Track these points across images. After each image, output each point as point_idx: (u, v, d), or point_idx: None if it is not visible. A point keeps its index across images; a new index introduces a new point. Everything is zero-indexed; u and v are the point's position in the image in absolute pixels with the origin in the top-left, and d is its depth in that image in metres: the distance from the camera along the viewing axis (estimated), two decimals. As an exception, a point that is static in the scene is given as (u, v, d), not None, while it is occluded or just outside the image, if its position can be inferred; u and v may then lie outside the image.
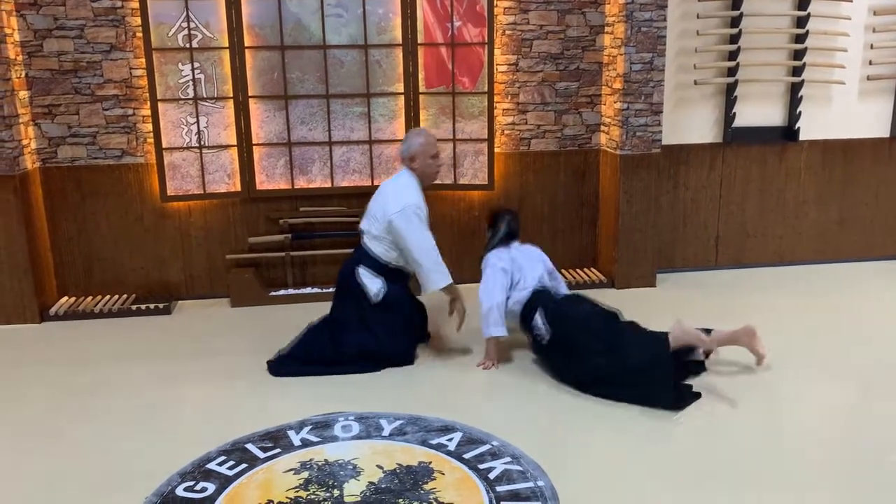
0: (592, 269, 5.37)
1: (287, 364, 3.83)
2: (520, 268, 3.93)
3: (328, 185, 4.98)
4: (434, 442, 3.06)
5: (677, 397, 3.39)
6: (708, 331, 3.70)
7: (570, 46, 5.04)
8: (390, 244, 3.87)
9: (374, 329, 3.83)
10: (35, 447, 3.15)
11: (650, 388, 3.38)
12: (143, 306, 4.75)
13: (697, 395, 3.45)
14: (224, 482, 2.80)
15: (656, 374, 3.38)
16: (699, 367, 3.72)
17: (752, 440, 3.12)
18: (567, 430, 3.24)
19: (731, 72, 5.16)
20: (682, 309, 4.44)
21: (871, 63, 5.33)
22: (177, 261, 4.97)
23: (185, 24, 4.60)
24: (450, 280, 3.83)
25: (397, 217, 3.76)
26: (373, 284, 3.85)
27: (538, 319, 3.75)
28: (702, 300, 4.88)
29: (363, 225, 3.97)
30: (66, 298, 4.87)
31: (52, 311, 4.67)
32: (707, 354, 3.77)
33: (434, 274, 3.80)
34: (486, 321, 3.85)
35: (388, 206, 3.80)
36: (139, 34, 4.61)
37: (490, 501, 2.64)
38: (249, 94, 4.77)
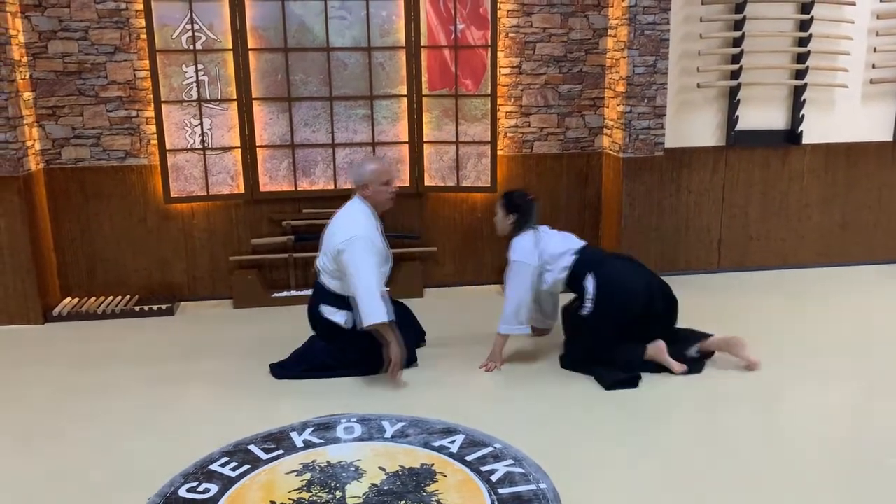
0: (595, 271, 5.36)
1: (289, 367, 3.83)
2: (549, 245, 3.82)
3: (331, 186, 4.98)
4: (436, 444, 3.06)
5: (613, 384, 3.62)
6: (707, 335, 3.85)
7: (574, 49, 5.04)
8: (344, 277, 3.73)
9: (366, 350, 3.77)
10: (37, 447, 3.16)
11: (602, 372, 3.68)
12: (146, 307, 4.75)
13: (634, 385, 3.63)
14: (227, 483, 2.80)
15: (616, 366, 3.68)
16: (697, 367, 3.78)
17: (753, 442, 3.12)
18: (570, 432, 3.24)
19: (735, 75, 5.16)
20: (684, 312, 4.43)
21: (874, 67, 5.33)
22: (180, 262, 4.98)
23: (189, 26, 4.62)
24: (386, 318, 3.57)
25: (344, 247, 3.60)
26: (339, 317, 3.76)
27: (589, 285, 3.69)
28: (704, 303, 4.87)
29: (318, 262, 3.84)
30: (69, 299, 4.88)
31: (56, 311, 4.68)
32: (708, 355, 3.86)
33: (370, 309, 3.55)
34: (508, 318, 3.78)
35: (335, 236, 3.67)
36: (143, 36, 4.62)
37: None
38: (253, 95, 4.78)
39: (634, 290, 3.73)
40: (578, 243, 3.88)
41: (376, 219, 3.81)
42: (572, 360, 3.83)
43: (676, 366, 3.73)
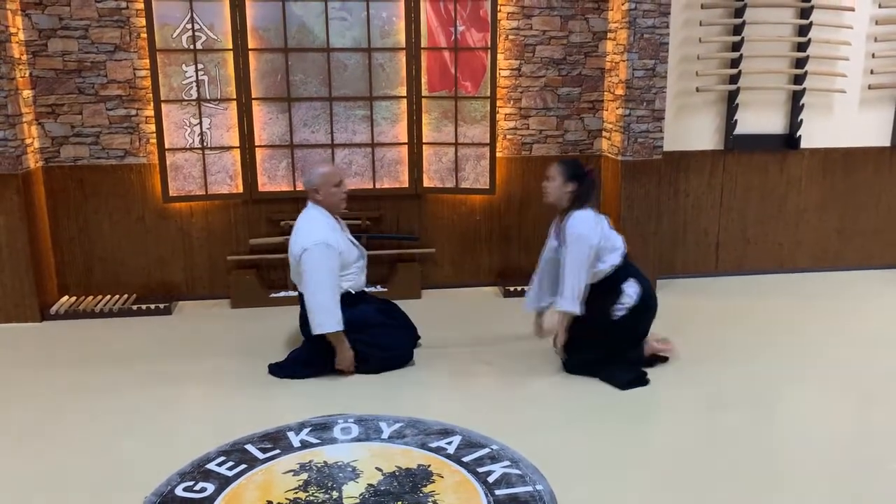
0: (593, 274, 5.37)
1: (287, 368, 3.82)
2: (609, 233, 3.75)
3: (330, 187, 4.98)
4: (433, 445, 3.06)
5: (629, 383, 3.66)
6: None
7: (573, 52, 5.05)
8: None
9: (361, 349, 3.78)
10: (35, 446, 3.15)
11: (614, 373, 3.70)
12: (143, 306, 4.75)
13: (646, 382, 3.69)
14: (223, 483, 2.80)
15: (627, 365, 3.75)
16: (662, 360, 3.94)
17: (752, 446, 3.12)
18: (567, 434, 3.24)
19: (733, 79, 5.17)
20: (681, 315, 4.45)
21: (872, 72, 5.34)
22: (178, 261, 4.98)
23: (189, 26, 4.62)
24: (338, 328, 3.66)
25: (304, 256, 3.65)
26: None
27: (630, 290, 3.71)
28: (701, 306, 4.89)
29: (291, 276, 3.90)
30: (66, 297, 4.88)
31: (53, 310, 4.68)
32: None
33: (321, 318, 3.64)
34: (568, 296, 3.66)
35: (295, 247, 3.71)
36: (143, 35, 4.62)
37: (489, 505, 2.65)
38: (252, 95, 4.78)
39: (656, 303, 3.89)
40: (621, 243, 3.86)
41: (336, 220, 3.83)
42: (582, 362, 3.78)
43: (666, 348, 3.93)
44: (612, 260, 3.74)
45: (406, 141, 4.99)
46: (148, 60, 4.63)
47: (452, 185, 5.09)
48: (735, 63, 5.15)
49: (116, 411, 3.45)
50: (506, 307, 4.87)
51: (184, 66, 4.67)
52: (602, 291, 3.76)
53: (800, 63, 5.24)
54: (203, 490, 2.75)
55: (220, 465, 2.92)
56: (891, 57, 5.33)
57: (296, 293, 4.88)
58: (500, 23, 4.92)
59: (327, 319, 3.65)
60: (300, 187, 4.95)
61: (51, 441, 3.19)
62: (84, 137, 4.74)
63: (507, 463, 2.92)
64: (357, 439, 3.12)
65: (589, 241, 3.64)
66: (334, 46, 4.80)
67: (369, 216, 5.03)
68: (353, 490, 2.74)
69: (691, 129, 5.27)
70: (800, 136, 5.34)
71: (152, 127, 4.74)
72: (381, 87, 4.91)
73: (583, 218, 3.69)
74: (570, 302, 3.68)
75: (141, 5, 4.57)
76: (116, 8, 4.59)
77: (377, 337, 3.83)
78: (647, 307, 3.78)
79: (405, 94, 4.92)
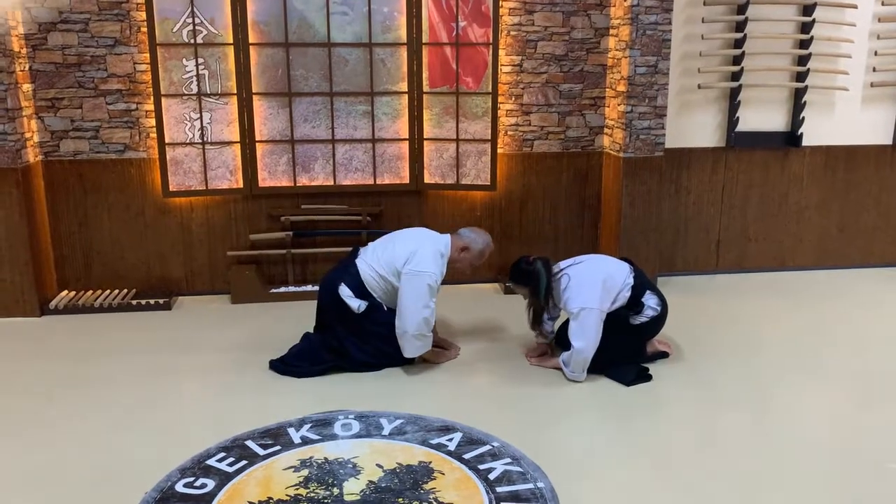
0: (593, 271, 5.35)
1: (288, 364, 3.81)
2: (611, 283, 3.73)
3: (330, 182, 4.97)
4: (434, 442, 3.06)
5: (634, 380, 3.70)
6: None
7: (575, 48, 5.03)
8: (389, 286, 3.81)
9: (370, 341, 3.79)
10: (34, 441, 3.15)
11: (619, 370, 3.75)
12: (143, 301, 4.74)
13: (649, 378, 3.74)
14: (224, 479, 2.79)
15: (631, 363, 3.81)
16: (663, 356, 3.99)
17: (752, 445, 3.12)
18: (568, 431, 3.24)
19: (735, 76, 5.16)
20: (681, 313, 4.44)
21: (874, 70, 5.33)
22: (177, 256, 4.96)
23: (189, 20, 4.60)
24: (423, 351, 3.82)
25: (410, 275, 3.70)
26: (354, 302, 3.78)
27: (651, 301, 3.79)
28: (701, 304, 4.88)
29: (376, 251, 3.86)
30: (65, 292, 4.86)
31: (52, 304, 4.66)
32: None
33: (415, 342, 3.74)
34: (577, 370, 3.69)
35: (412, 259, 3.72)
36: (144, 29, 4.60)
37: (490, 502, 2.64)
38: (253, 90, 4.76)
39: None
40: (622, 263, 3.89)
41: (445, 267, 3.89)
42: (606, 361, 3.78)
43: (666, 346, 4.04)
44: (623, 295, 3.75)
45: (407, 137, 4.97)
46: (148, 54, 4.61)
47: (453, 181, 5.08)
48: (737, 60, 5.13)
49: (116, 406, 3.44)
50: (506, 304, 4.86)
51: (184, 60, 4.66)
52: (623, 307, 3.79)
53: (802, 60, 5.22)
54: (203, 486, 2.74)
55: (220, 460, 2.91)
56: (893, 55, 5.32)
57: (297, 288, 4.92)
58: (502, 18, 4.90)
59: (412, 348, 3.77)
60: (301, 183, 4.95)
61: (50, 435, 3.18)
62: (84, 132, 4.72)
63: (508, 460, 2.92)
64: (358, 436, 3.11)
65: (596, 312, 3.64)
66: (335, 41, 4.79)
67: (370, 212, 5.02)
68: (353, 487, 2.73)
69: (693, 126, 5.26)
70: (801, 134, 5.33)
71: (152, 121, 4.73)
72: (382, 82, 4.89)
73: (578, 289, 3.70)
74: (579, 374, 3.70)
75: (141, -1, 4.56)
76: (116, 1, 4.57)
77: (384, 340, 3.81)
78: (665, 314, 3.86)
79: (406, 90, 4.90)
